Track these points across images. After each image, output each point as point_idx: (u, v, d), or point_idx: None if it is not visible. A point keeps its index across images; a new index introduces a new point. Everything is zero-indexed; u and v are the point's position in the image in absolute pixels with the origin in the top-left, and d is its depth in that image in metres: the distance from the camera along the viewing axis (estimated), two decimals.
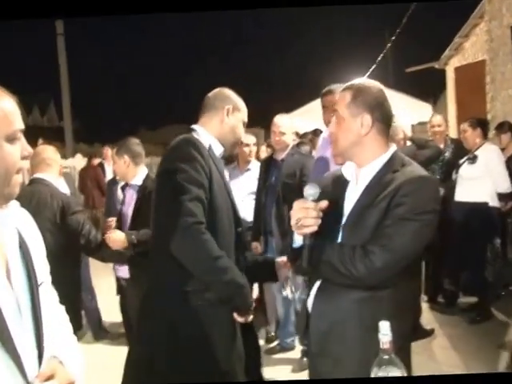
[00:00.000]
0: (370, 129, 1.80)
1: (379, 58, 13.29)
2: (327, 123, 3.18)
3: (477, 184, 4.57)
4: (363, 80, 1.92)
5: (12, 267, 1.20)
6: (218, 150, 2.22)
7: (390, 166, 1.79)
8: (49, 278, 1.40)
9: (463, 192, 4.65)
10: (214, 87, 2.34)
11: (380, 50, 13.31)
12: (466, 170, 4.66)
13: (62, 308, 1.45)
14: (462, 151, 4.83)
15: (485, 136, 4.78)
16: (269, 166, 4.17)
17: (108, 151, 9.15)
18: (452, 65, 12.12)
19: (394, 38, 12.34)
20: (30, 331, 1.20)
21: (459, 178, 4.71)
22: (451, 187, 4.73)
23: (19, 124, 1.21)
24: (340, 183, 1.89)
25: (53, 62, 16.55)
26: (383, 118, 1.83)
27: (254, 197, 4.30)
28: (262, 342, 4.16)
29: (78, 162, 12.56)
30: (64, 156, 14.84)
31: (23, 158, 1.22)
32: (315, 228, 1.66)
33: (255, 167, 4.53)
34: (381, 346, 1.26)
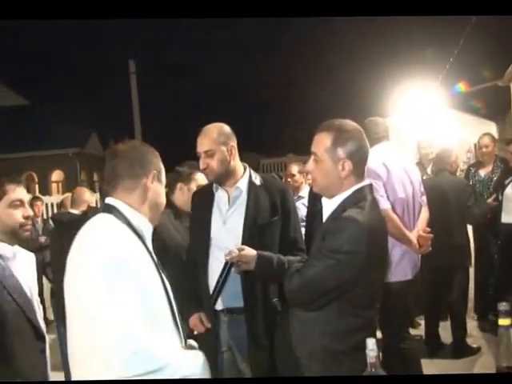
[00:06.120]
0: (350, 172, 1.87)
1: (440, 78, 13.24)
2: None
3: None
4: (342, 122, 1.92)
5: None
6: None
7: (344, 205, 1.87)
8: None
9: (509, 213, 4.60)
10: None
11: (440, 71, 13.27)
12: (511, 191, 4.61)
13: None
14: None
15: None
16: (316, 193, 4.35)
17: None
18: None
19: (451, 59, 12.23)
20: None
21: (505, 199, 4.66)
22: (498, 209, 4.69)
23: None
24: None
25: (127, 100, 17.66)
26: (361, 160, 1.89)
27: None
28: None
29: None
30: None
31: None
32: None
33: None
34: (368, 361, 1.40)
